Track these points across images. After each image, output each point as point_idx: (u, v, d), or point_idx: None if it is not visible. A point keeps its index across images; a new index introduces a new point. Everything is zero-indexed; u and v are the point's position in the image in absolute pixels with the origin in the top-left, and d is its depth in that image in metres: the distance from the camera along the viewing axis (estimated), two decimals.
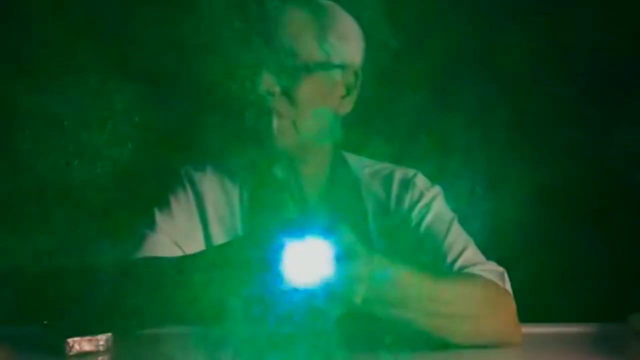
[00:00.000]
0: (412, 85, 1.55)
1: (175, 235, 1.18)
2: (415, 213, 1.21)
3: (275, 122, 1.16)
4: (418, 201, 1.22)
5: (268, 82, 1.15)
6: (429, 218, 1.20)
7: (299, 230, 0.91)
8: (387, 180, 1.26)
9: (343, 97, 1.22)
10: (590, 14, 1.52)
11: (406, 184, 1.24)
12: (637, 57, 1.54)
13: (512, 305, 1.09)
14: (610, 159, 1.52)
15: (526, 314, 1.10)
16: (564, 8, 1.54)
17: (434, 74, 1.55)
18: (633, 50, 1.54)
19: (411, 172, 1.27)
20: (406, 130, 1.54)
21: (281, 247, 0.90)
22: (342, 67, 1.20)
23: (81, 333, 0.98)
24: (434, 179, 1.27)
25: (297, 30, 1.17)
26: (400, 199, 1.23)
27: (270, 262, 0.90)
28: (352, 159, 1.29)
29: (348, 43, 1.21)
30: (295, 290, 0.90)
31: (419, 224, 1.20)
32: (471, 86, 1.55)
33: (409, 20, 1.47)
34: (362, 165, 1.29)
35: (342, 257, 0.91)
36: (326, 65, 1.18)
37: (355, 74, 1.23)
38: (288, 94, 1.16)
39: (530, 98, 1.56)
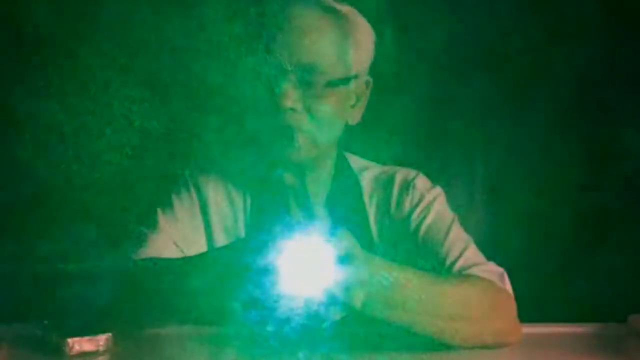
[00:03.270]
0: (412, 88, 1.55)
1: (177, 236, 1.18)
2: (415, 215, 1.21)
3: (297, 139, 1.14)
4: (418, 203, 1.22)
5: (292, 97, 1.13)
6: (429, 220, 1.20)
7: (299, 234, 0.91)
8: (389, 182, 1.26)
9: (352, 107, 1.21)
10: (591, 17, 1.53)
11: (407, 186, 1.24)
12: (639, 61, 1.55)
13: (513, 306, 1.09)
14: (610, 161, 1.52)
15: (526, 314, 1.10)
16: (565, 11, 1.54)
17: (434, 77, 1.55)
18: (634, 55, 1.55)
19: (412, 173, 1.26)
20: (406, 134, 1.54)
21: (282, 250, 0.90)
22: (357, 76, 1.19)
23: (81, 333, 0.98)
24: (434, 182, 1.27)
25: (321, 45, 1.15)
26: (401, 201, 1.23)
27: (270, 266, 0.91)
28: (354, 160, 1.29)
29: (364, 51, 1.20)
30: (295, 293, 0.91)
31: (419, 225, 1.20)
32: (472, 90, 1.55)
33: (408, 22, 1.48)
34: (364, 167, 1.28)
35: (342, 261, 0.91)
36: (346, 80, 1.17)
37: (367, 82, 1.22)
38: (310, 110, 1.14)
39: (532, 101, 1.57)
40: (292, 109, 1.13)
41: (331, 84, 1.15)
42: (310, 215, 1.21)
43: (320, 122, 1.15)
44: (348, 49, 1.17)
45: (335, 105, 1.16)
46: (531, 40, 1.57)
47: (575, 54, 1.56)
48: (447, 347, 1.02)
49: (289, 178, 1.21)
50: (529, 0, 1.58)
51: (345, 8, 1.19)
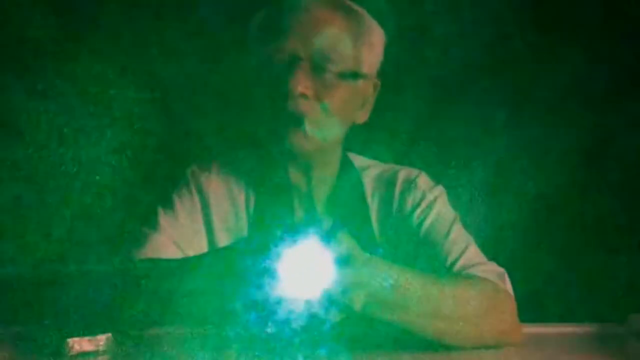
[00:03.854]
0: (412, 90, 1.55)
1: (177, 236, 1.17)
2: (417, 214, 1.21)
3: (306, 126, 1.13)
4: (420, 202, 1.22)
5: (304, 83, 1.12)
6: (430, 219, 1.20)
7: (299, 235, 0.91)
8: (391, 180, 1.26)
9: (360, 108, 1.21)
10: (590, 18, 1.53)
11: (409, 185, 1.24)
12: (638, 62, 1.55)
13: (513, 306, 1.09)
14: (610, 161, 1.52)
15: (526, 314, 1.10)
16: (565, 13, 1.55)
17: (433, 79, 1.56)
18: (634, 57, 1.55)
19: (414, 172, 1.27)
20: (406, 136, 1.54)
21: (282, 251, 0.90)
22: (366, 76, 1.19)
23: (81, 333, 0.97)
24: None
25: (335, 35, 1.15)
26: (403, 199, 1.23)
27: (270, 267, 0.90)
28: (357, 159, 1.29)
29: (375, 53, 1.20)
30: (296, 295, 0.91)
31: (420, 224, 1.20)
32: (470, 92, 1.56)
33: (409, 25, 1.48)
34: (367, 166, 1.28)
35: (342, 263, 0.91)
36: (357, 75, 1.17)
37: (374, 85, 1.22)
38: (320, 99, 1.14)
39: (532, 102, 1.57)
40: (303, 96, 1.12)
41: (342, 76, 1.15)
42: (312, 215, 1.21)
43: (329, 113, 1.14)
44: (361, 46, 1.18)
45: (344, 99, 1.16)
46: (531, 42, 1.57)
47: (576, 56, 1.57)
48: (447, 347, 1.02)
49: (294, 176, 1.21)
50: (530, 2, 1.58)
51: (359, 8, 1.20)
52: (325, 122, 1.15)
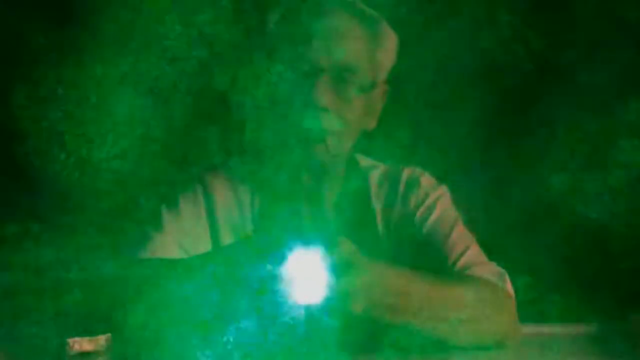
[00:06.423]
0: (413, 92, 1.56)
1: (181, 237, 1.17)
2: (419, 213, 1.21)
3: (327, 140, 1.13)
4: (423, 202, 1.22)
5: (327, 97, 1.11)
6: (432, 218, 1.20)
7: (302, 239, 0.91)
8: (395, 180, 1.25)
9: (371, 114, 1.20)
10: (590, 21, 1.54)
11: (412, 185, 1.24)
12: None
13: (513, 306, 1.09)
14: (610, 163, 1.52)
15: (526, 314, 1.10)
16: (562, 17, 1.55)
17: (434, 83, 1.56)
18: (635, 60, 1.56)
19: (418, 172, 1.26)
20: (407, 137, 1.55)
21: (284, 255, 0.90)
22: (379, 85, 1.19)
23: (81, 333, 0.98)
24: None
25: (356, 46, 1.14)
26: (406, 199, 1.23)
27: (273, 269, 0.91)
28: (363, 160, 1.29)
29: (389, 59, 1.20)
30: (297, 298, 0.91)
31: (423, 223, 1.20)
32: (472, 95, 1.56)
33: (408, 28, 1.48)
34: (372, 166, 1.28)
35: (344, 267, 0.91)
36: (374, 85, 1.17)
37: (384, 91, 1.21)
38: (340, 112, 1.13)
39: (531, 106, 1.58)
40: (324, 109, 1.11)
41: (362, 88, 1.15)
42: (319, 216, 1.21)
43: (347, 126, 1.14)
44: (377, 53, 1.17)
45: (361, 110, 1.16)
46: (530, 48, 1.58)
47: (576, 62, 1.57)
48: (447, 347, 1.02)
49: (306, 180, 1.20)
50: (529, 9, 1.59)
51: (373, 12, 1.19)
52: (343, 133, 1.15)
